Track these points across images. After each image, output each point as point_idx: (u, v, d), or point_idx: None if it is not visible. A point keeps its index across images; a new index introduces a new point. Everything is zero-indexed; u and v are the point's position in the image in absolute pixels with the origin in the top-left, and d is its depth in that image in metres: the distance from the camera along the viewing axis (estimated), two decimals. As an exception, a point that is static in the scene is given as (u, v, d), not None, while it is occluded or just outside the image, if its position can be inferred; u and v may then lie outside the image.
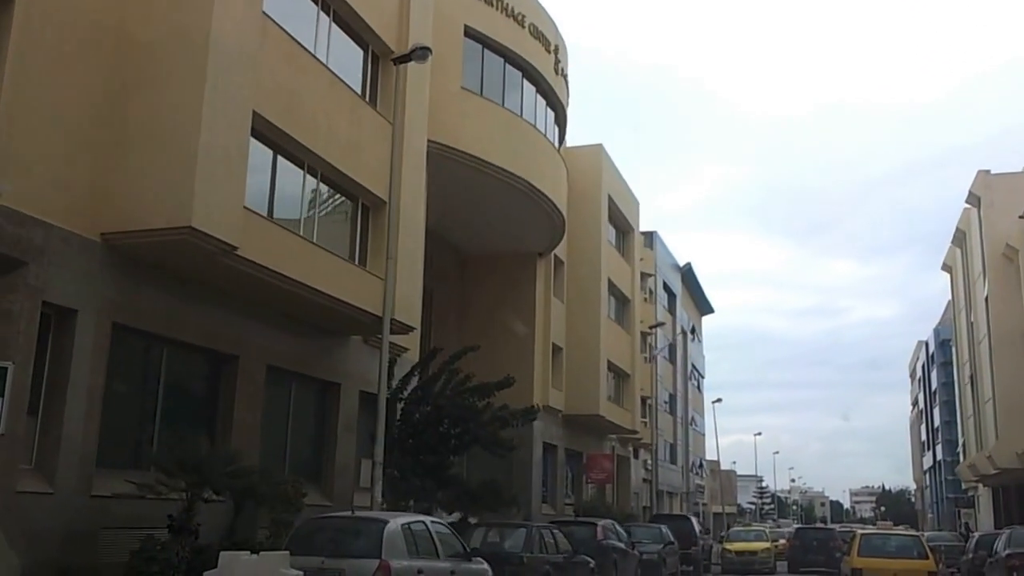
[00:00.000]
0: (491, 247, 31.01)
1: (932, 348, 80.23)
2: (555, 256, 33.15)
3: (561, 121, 30.10)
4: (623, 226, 40.42)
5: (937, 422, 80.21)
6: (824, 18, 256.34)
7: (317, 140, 16.30)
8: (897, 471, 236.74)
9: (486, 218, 28.59)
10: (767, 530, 41.88)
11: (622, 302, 40.15)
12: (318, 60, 16.53)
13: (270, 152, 15.58)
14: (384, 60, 19.10)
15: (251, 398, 16.10)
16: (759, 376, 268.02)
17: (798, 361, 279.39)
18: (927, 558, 18.34)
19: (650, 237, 52.23)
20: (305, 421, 18.62)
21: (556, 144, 29.61)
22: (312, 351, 18.09)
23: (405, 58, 17.48)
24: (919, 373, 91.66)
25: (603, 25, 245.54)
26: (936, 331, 77.31)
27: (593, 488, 37.90)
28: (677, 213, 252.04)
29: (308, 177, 16.68)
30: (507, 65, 26.08)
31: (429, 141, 22.91)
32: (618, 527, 22.04)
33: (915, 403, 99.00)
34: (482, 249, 31.18)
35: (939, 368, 76.85)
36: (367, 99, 18.67)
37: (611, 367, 37.29)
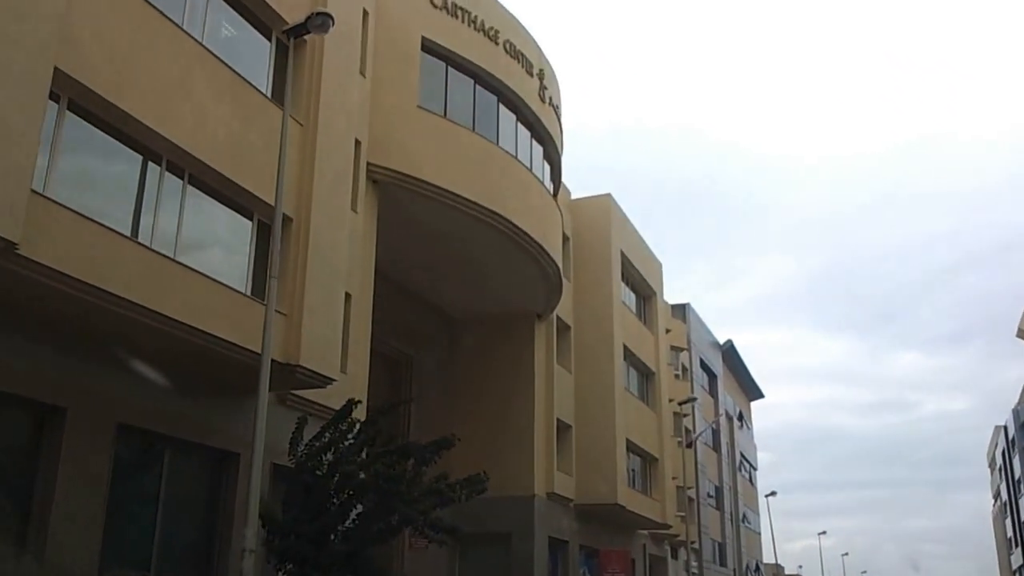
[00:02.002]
0: (481, 308, 27.05)
1: (1012, 432, 73.21)
2: (558, 319, 28.96)
3: (553, 158, 26.29)
4: (643, 289, 36.11)
5: None
6: (868, 101, 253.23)
7: (178, 129, 12.60)
8: (981, 572, 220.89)
9: (470, 271, 24.76)
10: None
11: (644, 375, 35.50)
12: (181, 29, 12.96)
13: (100, 133, 11.88)
14: (295, 50, 15.43)
15: (85, 469, 12.00)
16: (826, 476, 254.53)
17: (867, 459, 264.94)
18: None
19: (682, 309, 47.72)
20: (186, 503, 14.40)
21: (548, 184, 25.75)
22: (197, 410, 14.02)
23: (300, 29, 13.84)
24: (999, 462, 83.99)
25: (647, 127, 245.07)
26: (1016, 412, 70.54)
27: (622, 593, 32.58)
28: (729, 310, 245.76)
29: (168, 176, 12.91)
30: (478, 87, 22.52)
31: (380, 167, 19.40)
32: None
33: (996, 495, 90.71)
34: (471, 310, 27.22)
35: (1021, 453, 69.80)
36: (271, 95, 15.01)
37: (633, 449, 32.45)
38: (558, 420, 27.94)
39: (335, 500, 12.95)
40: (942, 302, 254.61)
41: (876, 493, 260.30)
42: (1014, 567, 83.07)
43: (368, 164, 19.01)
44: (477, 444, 26.11)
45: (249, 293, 13.96)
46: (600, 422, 29.49)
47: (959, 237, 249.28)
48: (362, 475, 13.17)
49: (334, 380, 14.97)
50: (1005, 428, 77.49)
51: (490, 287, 25.84)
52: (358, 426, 13.93)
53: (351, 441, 13.53)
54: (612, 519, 30.81)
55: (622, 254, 32.69)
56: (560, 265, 26.27)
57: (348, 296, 17.31)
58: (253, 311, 13.22)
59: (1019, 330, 50.53)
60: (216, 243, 14.34)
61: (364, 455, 13.43)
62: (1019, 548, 78.05)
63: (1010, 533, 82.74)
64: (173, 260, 12.41)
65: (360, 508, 13.46)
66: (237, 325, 12.97)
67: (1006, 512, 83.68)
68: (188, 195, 13.17)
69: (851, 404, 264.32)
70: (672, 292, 48.51)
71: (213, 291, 12.92)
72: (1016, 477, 74.49)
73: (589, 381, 29.78)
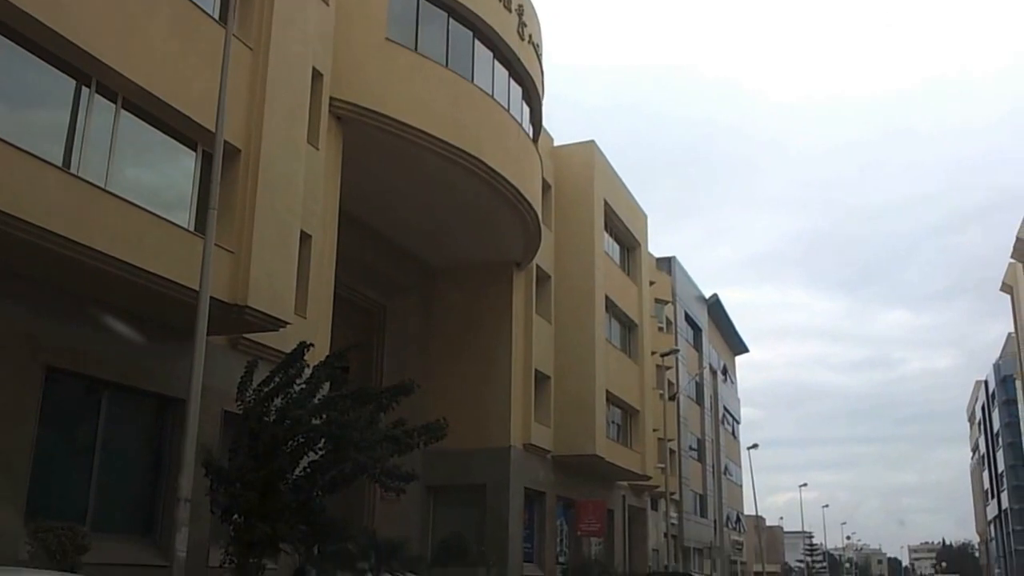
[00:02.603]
0: (457, 256, 26.10)
1: (992, 387, 73.23)
2: (538, 268, 28.04)
3: (533, 100, 25.16)
4: (627, 240, 35.17)
5: (1001, 467, 72.77)
6: (864, 68, 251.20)
7: (109, 48, 11.50)
8: (959, 525, 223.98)
9: (445, 218, 23.78)
10: None
11: (627, 327, 34.71)
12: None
13: (23, 52, 10.79)
14: (247, -29, 14.25)
15: (8, 415, 11.09)
16: (812, 432, 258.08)
17: (851, 416, 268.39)
18: None
19: (667, 262, 46.85)
20: (127, 452, 13.55)
21: (527, 127, 24.66)
22: (138, 354, 13.09)
23: (247, -58, 12.69)
24: (979, 416, 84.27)
25: (642, 81, 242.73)
26: (996, 366, 70.42)
27: (599, 544, 32.14)
28: (721, 268, 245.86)
29: (99, 99, 11.84)
30: (452, 21, 21.32)
31: (344, 103, 18.30)
32: None
33: (975, 449, 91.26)
34: (447, 259, 26.28)
35: (1001, 407, 69.90)
36: (219, 18, 13.86)
37: (613, 400, 31.75)
38: (537, 371, 27.17)
39: (285, 447, 12.07)
40: (930, 261, 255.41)
41: (859, 449, 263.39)
42: (990, 517, 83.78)
43: (331, 99, 17.93)
44: (453, 395, 25.36)
45: (193, 229, 12.96)
46: (580, 373, 28.73)
47: (947, 198, 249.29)
48: (315, 421, 12.32)
49: (287, 323, 14.05)
50: (986, 383, 77.56)
51: (467, 235, 24.88)
52: (311, 370, 13.02)
53: (302, 386, 12.63)
54: (591, 470, 30.20)
55: (605, 203, 31.70)
56: (539, 212, 25.31)
57: (308, 237, 16.37)
58: (196, 248, 12.21)
59: (1003, 284, 49.98)
60: (156, 174, 13.35)
61: (317, 401, 12.53)
62: (995, 499, 78.59)
63: (987, 485, 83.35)
64: (103, 190, 11.39)
65: (313, 456, 12.63)
66: (177, 262, 12.02)
67: (983, 465, 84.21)
68: (122, 121, 12.12)
69: (837, 361, 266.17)
70: (660, 249, 47.75)
71: (150, 225, 11.94)
72: (995, 430, 74.75)
73: (569, 332, 28.95)
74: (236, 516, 11.95)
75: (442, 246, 25.42)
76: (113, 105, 12.01)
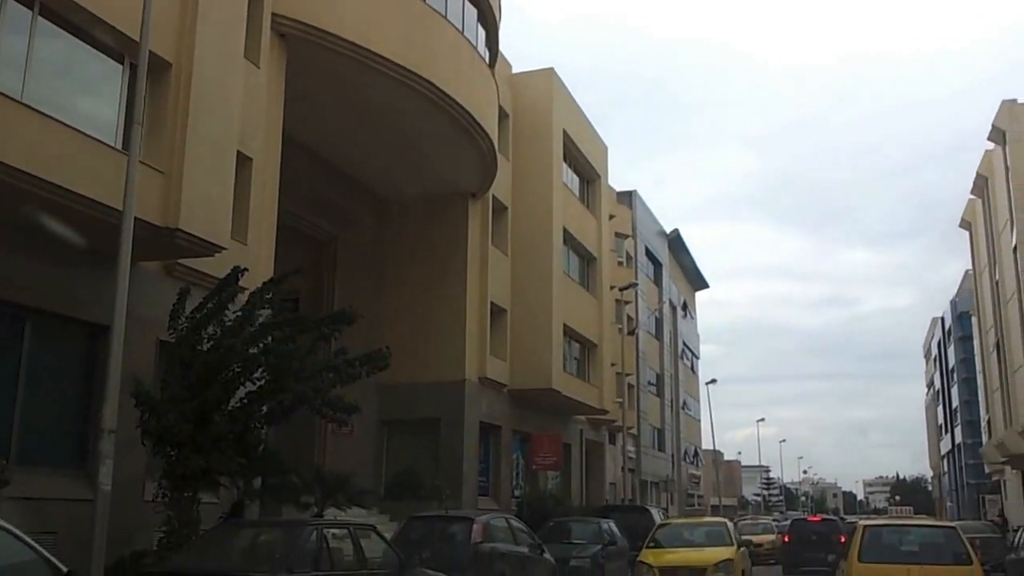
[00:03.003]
0: (411, 185, 25.40)
1: (948, 323, 74.13)
2: (495, 199, 27.43)
3: (489, 23, 24.28)
4: (587, 172, 34.59)
5: (955, 402, 74.05)
6: (830, 7, 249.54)
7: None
8: (913, 460, 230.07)
9: (398, 145, 22.96)
10: (773, 522, 39.74)
11: (586, 260, 34.32)
12: None
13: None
14: None
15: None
16: (772, 369, 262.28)
17: (812, 353, 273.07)
18: (969, 562, 11.54)
19: (628, 196, 46.40)
20: (54, 382, 12.92)
21: (482, 51, 23.82)
22: (64, 279, 12.43)
23: None
24: (934, 352, 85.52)
25: (608, 8, 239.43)
26: (953, 303, 71.15)
27: (556, 477, 32.13)
28: (683, 205, 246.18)
29: (12, 4, 10.97)
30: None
31: (287, 19, 17.42)
32: (514, 524, 16.15)
33: (930, 385, 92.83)
34: (400, 188, 25.60)
35: (957, 344, 70.79)
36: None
37: (571, 334, 31.49)
38: (492, 304, 26.75)
39: (219, 377, 11.54)
40: (892, 201, 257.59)
41: (817, 385, 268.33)
42: (943, 452, 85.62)
43: (274, 15, 17.04)
44: (407, 328, 24.96)
45: (121, 148, 12.20)
46: (537, 306, 28.35)
47: (910, 139, 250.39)
48: (252, 351, 11.78)
49: (222, 248, 13.40)
50: (942, 320, 78.45)
51: (420, 163, 24.14)
52: (247, 297, 12.43)
53: (238, 313, 12.06)
54: (547, 404, 30.04)
55: (565, 133, 31.02)
56: (495, 140, 24.60)
57: (248, 160, 15.66)
58: (123, 167, 11.47)
59: (962, 221, 50.09)
60: (80, 89, 12.53)
61: (254, 328, 11.97)
62: (948, 434, 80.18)
63: (941, 420, 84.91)
64: (19, 103, 10.60)
65: (251, 387, 12.12)
66: (102, 181, 11.28)
67: (938, 400, 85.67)
68: (40, 30, 11.27)
69: (798, 300, 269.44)
70: (622, 183, 47.27)
71: (72, 142, 11.18)
72: (950, 367, 75.84)
73: (526, 264, 28.49)
74: (168, 448, 11.45)
75: (395, 175, 24.69)
76: (30, 12, 11.15)
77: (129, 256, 10.61)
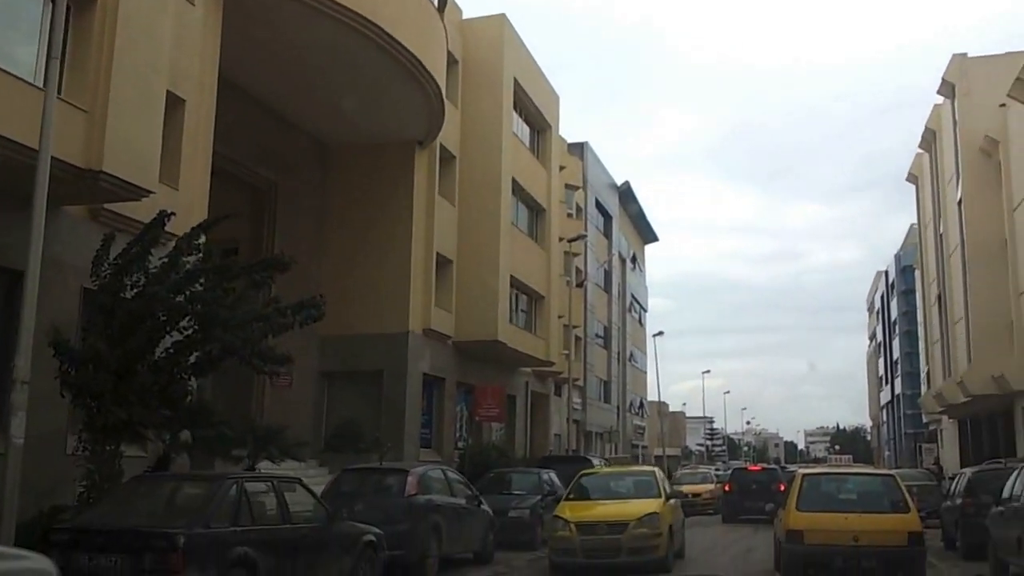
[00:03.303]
0: (356, 132, 24.80)
1: (892, 276, 75.38)
2: (443, 148, 26.86)
3: (437, -33, 23.54)
4: (537, 122, 34.07)
5: (896, 354, 75.66)
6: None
7: None
8: (853, 411, 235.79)
9: (342, 90, 22.28)
10: (715, 471, 40.21)
11: (535, 211, 33.95)
12: None
13: None
14: None
15: None
16: (719, 322, 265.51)
17: (758, 307, 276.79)
18: (907, 510, 11.60)
19: (580, 147, 45.97)
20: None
21: (430, -5, 23.09)
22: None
23: None
24: (877, 305, 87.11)
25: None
26: (897, 257, 72.29)
27: (500, 429, 32.04)
28: (636, 160, 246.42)
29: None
30: None
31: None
32: (452, 475, 15.91)
33: (872, 337, 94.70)
34: (344, 134, 25.01)
35: (900, 297, 72.09)
36: None
37: (518, 286, 31.22)
38: (438, 254, 26.33)
39: (143, 325, 11.04)
40: (842, 157, 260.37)
41: (763, 338, 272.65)
42: (882, 403, 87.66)
43: (209, -52, 16.24)
44: (349, 279, 24.50)
45: (41, 84, 11.50)
46: (483, 257, 27.97)
47: (861, 96, 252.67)
48: (178, 299, 11.28)
49: (150, 192, 12.81)
50: (886, 273, 79.79)
51: (365, 109, 23.43)
52: (175, 244, 11.90)
53: (164, 260, 11.53)
54: (493, 356, 29.81)
55: (516, 82, 30.41)
56: (443, 87, 24.01)
57: (181, 101, 15.02)
58: (41, 103, 10.82)
59: (909, 174, 50.64)
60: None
61: (180, 275, 11.45)
62: (888, 385, 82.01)
63: (882, 372, 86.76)
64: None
65: (178, 337, 11.64)
66: (18, 119, 10.66)
67: (880, 353, 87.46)
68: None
69: (747, 254, 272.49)
70: (574, 135, 46.75)
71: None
72: (892, 319, 77.31)
73: (474, 214, 28.03)
74: (89, 400, 10.97)
75: (338, 121, 24.00)
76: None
77: (44, 198, 10.06)
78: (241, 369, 13.67)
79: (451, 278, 27.31)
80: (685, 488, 32.45)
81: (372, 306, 24.42)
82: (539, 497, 19.10)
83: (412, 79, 21.76)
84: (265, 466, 14.90)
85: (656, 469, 17.37)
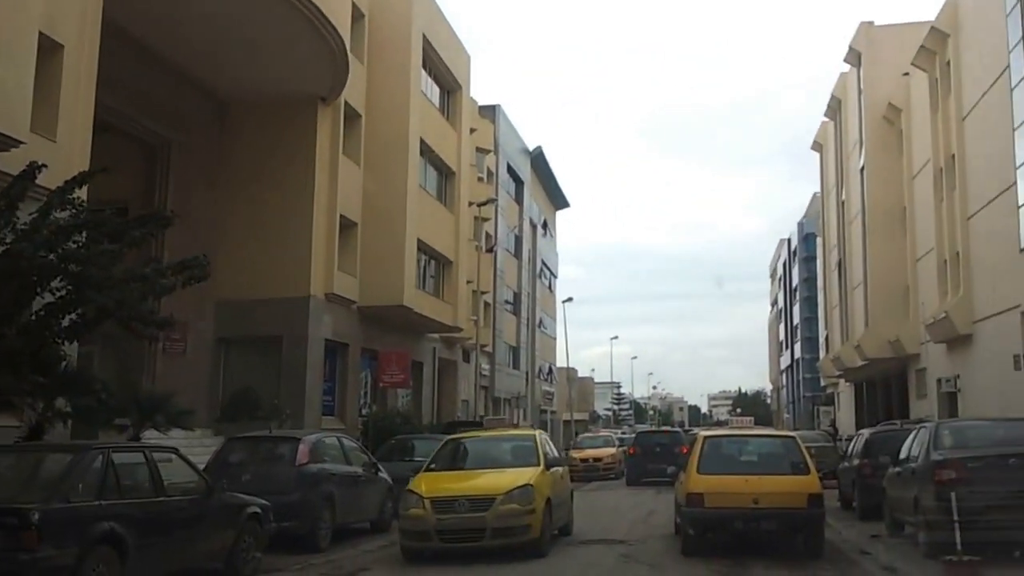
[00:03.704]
0: (255, 87, 23.88)
1: (795, 244, 77.21)
2: (347, 105, 25.99)
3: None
4: (447, 82, 33.35)
5: (796, 320, 77.68)
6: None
7: None
8: (755, 376, 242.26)
9: (240, 43, 21.34)
10: (615, 436, 39.54)
11: (444, 174, 33.34)
12: None
13: None
14: None
15: None
16: (629, 289, 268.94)
17: (668, 274, 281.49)
18: (807, 472, 11.44)
19: (492, 110, 45.36)
20: None
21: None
22: None
23: None
24: (780, 272, 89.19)
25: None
26: (800, 224, 74.03)
27: (407, 395, 31.60)
28: (549, 124, 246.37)
29: None
30: None
31: None
32: (347, 443, 15.37)
33: (774, 303, 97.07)
34: (243, 90, 24.04)
35: (801, 263, 73.89)
36: None
37: (425, 250, 30.67)
38: (342, 216, 25.57)
39: (9, 285, 10.21)
40: (752, 127, 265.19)
41: (670, 305, 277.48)
42: (782, 367, 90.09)
43: None
44: (248, 240, 23.59)
45: None
46: (389, 220, 27.29)
47: (770, 69, 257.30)
48: (49, 257, 10.46)
49: (19, 142, 11.92)
50: (788, 241, 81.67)
51: (264, 62, 22.54)
52: (47, 198, 11.03)
53: (34, 215, 10.67)
54: (399, 322, 29.27)
55: (424, 39, 29.60)
56: (347, 40, 23.21)
57: (58, 47, 14.06)
58: None
59: (814, 143, 51.60)
60: None
61: (51, 232, 10.61)
62: (788, 350, 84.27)
63: (782, 337, 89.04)
64: None
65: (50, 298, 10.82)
66: None
67: (781, 318, 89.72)
68: None
69: (657, 223, 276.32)
70: (486, 97, 46.00)
71: None
72: (793, 286, 79.26)
73: (380, 176, 27.27)
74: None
75: (236, 74, 23.03)
76: None
77: None
78: (131, 335, 12.94)
79: (355, 241, 26.60)
80: (587, 453, 32.47)
81: (272, 269, 23.64)
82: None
83: (313, 31, 20.97)
84: (152, 436, 14.26)
85: (538, 432, 14.95)
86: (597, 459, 31.59)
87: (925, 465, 11.19)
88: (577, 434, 47.54)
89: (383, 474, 15.50)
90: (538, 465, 12.67)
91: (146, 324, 11.20)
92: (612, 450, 33.05)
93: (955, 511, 10.03)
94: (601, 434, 42.25)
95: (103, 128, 21.03)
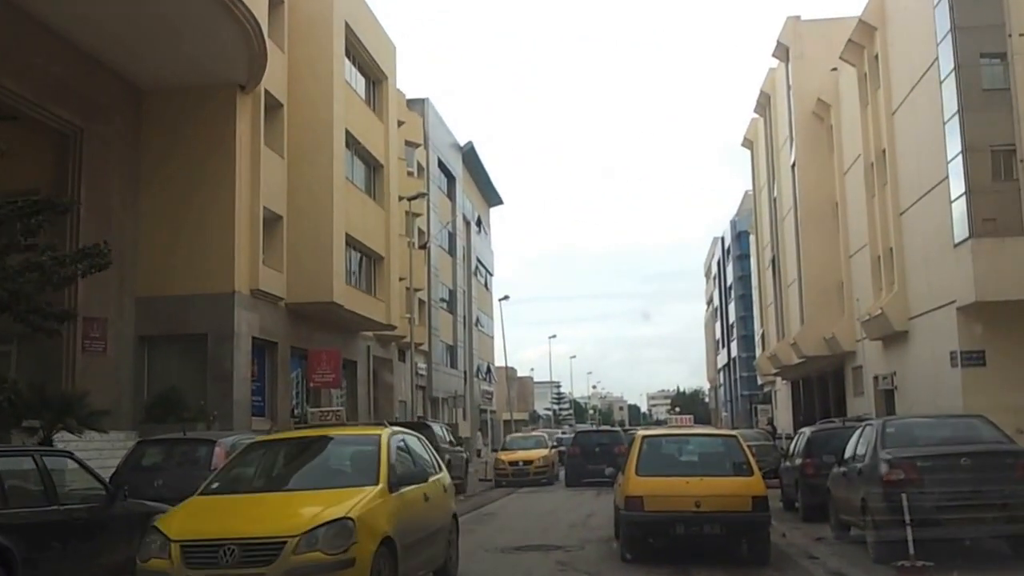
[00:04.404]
0: (171, 74, 22.70)
1: (728, 242, 77.62)
2: (268, 95, 24.88)
3: None
4: (372, 72, 32.33)
5: (732, 318, 78.14)
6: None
7: None
8: (692, 374, 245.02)
9: (152, 25, 20.13)
10: (547, 436, 36.80)
11: (372, 167, 32.31)
12: None
13: None
14: None
15: None
16: (563, 288, 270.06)
17: (604, 273, 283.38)
18: (750, 473, 10.85)
19: (420, 104, 44.45)
20: None
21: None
22: None
23: None
24: (714, 271, 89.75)
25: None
26: (732, 222, 74.45)
27: (342, 396, 30.56)
28: (481, 119, 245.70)
29: None
30: None
31: None
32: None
33: (710, 302, 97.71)
34: (157, 76, 22.82)
35: (735, 261, 74.32)
36: None
37: (354, 245, 29.63)
38: (266, 209, 24.46)
39: None
40: (687, 125, 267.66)
41: (608, 305, 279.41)
42: (719, 365, 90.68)
43: None
44: (167, 235, 22.47)
45: None
46: (316, 214, 26.18)
47: (709, 60, 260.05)
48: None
49: None
50: (722, 239, 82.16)
51: (180, 48, 21.39)
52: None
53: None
54: (330, 319, 28.23)
55: (347, 26, 28.54)
56: (264, 25, 22.17)
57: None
58: None
59: (744, 139, 51.72)
60: None
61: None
62: (725, 349, 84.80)
63: (718, 335, 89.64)
64: None
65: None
66: None
67: (716, 317, 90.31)
68: None
69: (592, 221, 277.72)
70: (417, 92, 45.02)
71: None
72: (728, 284, 79.76)
73: (304, 168, 26.14)
74: None
75: (149, 60, 21.82)
76: None
77: None
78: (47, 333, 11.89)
79: (281, 235, 25.52)
80: (516, 455, 29.56)
81: (194, 265, 22.55)
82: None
83: (227, 13, 19.95)
84: (63, 438, 13.22)
85: (387, 432, 9.21)
86: (527, 462, 29.06)
87: (872, 465, 10.69)
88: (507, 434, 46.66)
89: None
90: (375, 484, 8.17)
91: (44, 317, 10.16)
92: (545, 451, 30.51)
93: (906, 513, 9.49)
94: (533, 434, 38.93)
95: (9, 116, 20.01)
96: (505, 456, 30.08)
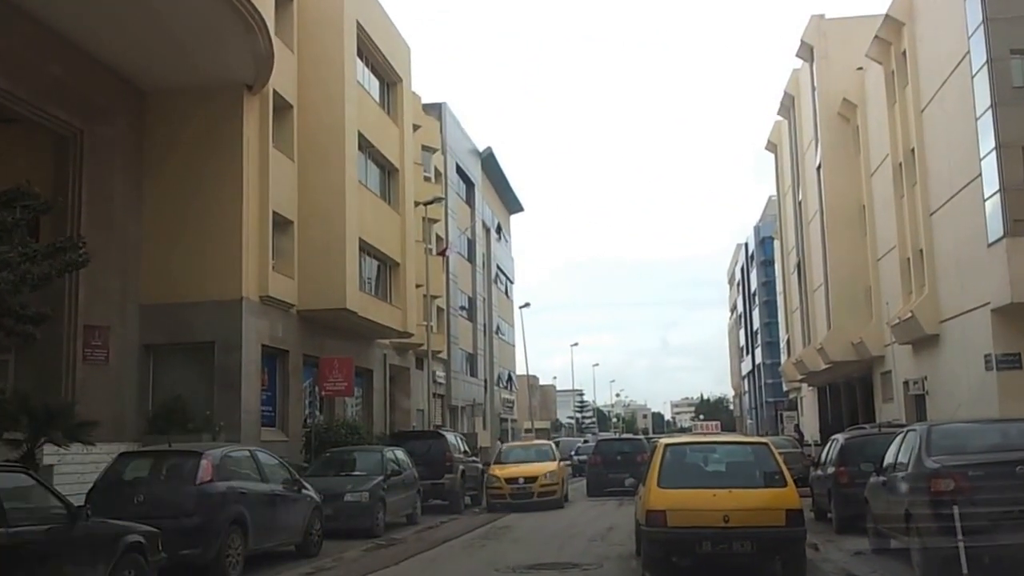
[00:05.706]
0: (173, 74, 22.02)
1: (752, 248, 76.53)
2: (277, 95, 24.17)
3: None
4: (386, 74, 31.67)
5: (756, 325, 76.98)
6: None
7: None
8: (717, 382, 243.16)
9: (154, 26, 19.53)
10: (554, 446, 27.98)
11: (387, 171, 31.61)
12: None
13: None
14: None
15: None
16: (590, 296, 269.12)
17: (627, 280, 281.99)
18: (783, 484, 9.95)
19: (437, 108, 43.78)
20: None
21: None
22: None
23: None
24: (738, 277, 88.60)
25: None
26: (756, 228, 73.37)
27: (357, 404, 29.85)
28: (503, 125, 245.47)
29: None
30: None
31: None
32: (264, 457, 13.52)
33: (734, 309, 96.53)
34: (161, 77, 22.15)
35: (759, 268, 73.23)
36: None
37: (369, 251, 28.91)
38: (275, 214, 23.75)
39: None
40: (709, 128, 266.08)
41: (631, 312, 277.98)
42: (744, 373, 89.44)
43: None
44: (172, 241, 21.77)
45: None
46: (328, 218, 25.44)
47: (734, 64, 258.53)
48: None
49: None
50: (746, 245, 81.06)
51: (184, 47, 20.75)
52: None
53: None
54: (344, 326, 27.50)
55: (360, 26, 27.88)
56: (272, 23, 21.55)
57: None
58: None
59: (768, 143, 50.78)
60: None
61: None
62: (749, 356, 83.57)
63: (743, 342, 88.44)
64: None
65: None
66: None
67: (740, 324, 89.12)
68: None
69: (617, 228, 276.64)
70: (435, 97, 44.47)
71: None
72: (752, 290, 78.62)
73: (316, 171, 25.41)
74: None
75: (153, 61, 21.18)
76: None
77: None
78: (47, 341, 11.22)
79: (292, 240, 24.81)
80: (512, 470, 23.59)
81: (200, 271, 21.86)
82: (381, 478, 17.08)
83: (232, 11, 19.28)
84: (51, 452, 12.56)
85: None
86: (529, 478, 22.93)
87: (918, 473, 9.77)
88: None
89: (308, 491, 13.82)
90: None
91: (18, 320, 9.46)
92: (551, 465, 24.02)
93: (959, 527, 8.59)
94: (535, 443, 31.74)
95: (7, 119, 19.48)
96: (500, 471, 23.84)
